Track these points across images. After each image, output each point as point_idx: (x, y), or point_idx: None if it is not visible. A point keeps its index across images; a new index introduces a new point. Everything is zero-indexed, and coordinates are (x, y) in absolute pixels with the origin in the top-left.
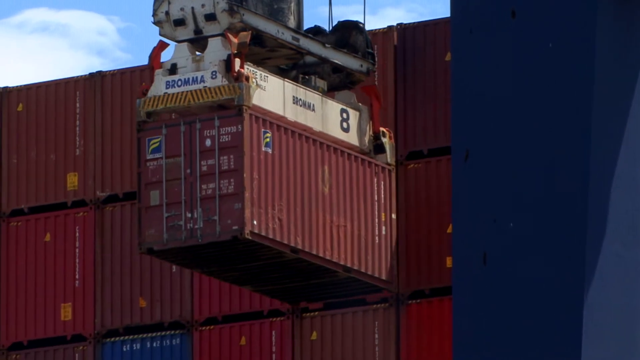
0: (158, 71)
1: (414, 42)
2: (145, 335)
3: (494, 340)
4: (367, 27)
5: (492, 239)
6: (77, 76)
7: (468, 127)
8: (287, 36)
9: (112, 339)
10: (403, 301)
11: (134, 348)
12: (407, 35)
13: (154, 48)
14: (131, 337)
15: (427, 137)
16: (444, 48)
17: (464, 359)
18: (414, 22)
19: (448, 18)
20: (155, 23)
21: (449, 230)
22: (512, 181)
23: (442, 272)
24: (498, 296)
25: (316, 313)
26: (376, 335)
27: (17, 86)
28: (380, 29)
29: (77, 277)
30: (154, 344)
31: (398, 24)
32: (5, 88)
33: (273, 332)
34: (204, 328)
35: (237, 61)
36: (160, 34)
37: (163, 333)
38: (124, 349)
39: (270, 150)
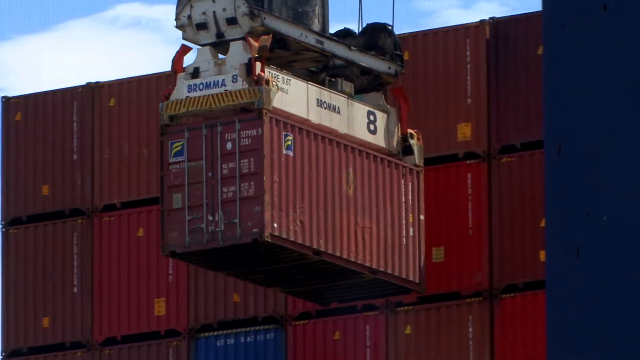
0: (180, 75)
1: (506, 36)
2: (239, 330)
3: (588, 334)
4: (459, 21)
5: (585, 233)
6: (169, 71)
7: (560, 121)
8: (310, 39)
9: (206, 334)
10: (497, 295)
11: (228, 343)
12: (499, 29)
13: (177, 52)
14: (225, 332)
15: (519, 131)
16: (536, 42)
17: (559, 352)
18: (506, 16)
19: (540, 12)
20: (177, 27)
21: (542, 224)
22: (605, 174)
23: (535, 265)
24: (592, 290)
25: (410, 307)
26: (470, 330)
27: (109, 81)
28: (472, 23)
29: (170, 271)
30: (248, 339)
31: (490, 18)
32: (97, 83)
33: (367, 327)
34: (297, 323)
35: (258, 65)
36: (183, 38)
37: (257, 328)
38: (218, 344)
39: (291, 153)
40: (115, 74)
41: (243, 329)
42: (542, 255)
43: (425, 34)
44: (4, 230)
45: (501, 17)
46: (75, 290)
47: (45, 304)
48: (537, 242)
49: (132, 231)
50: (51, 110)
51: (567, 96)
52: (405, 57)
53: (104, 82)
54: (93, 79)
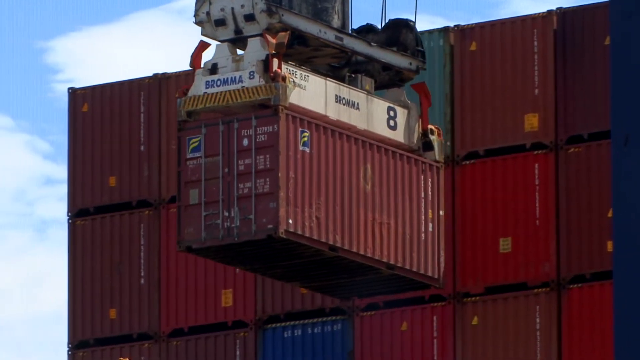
0: (199, 71)
1: (574, 26)
2: (306, 321)
3: None
4: (527, 11)
5: None
6: None
7: (628, 111)
8: (329, 36)
9: (273, 325)
10: (564, 286)
11: (295, 334)
12: (566, 19)
13: (195, 48)
14: (292, 323)
15: (587, 121)
16: (604, 32)
17: (626, 344)
18: (573, 6)
19: (607, 2)
20: (196, 23)
21: (610, 214)
22: None
23: (603, 256)
24: None
25: (477, 298)
26: (537, 320)
27: (176, 72)
28: (539, 13)
29: None
30: (315, 330)
31: (558, 8)
32: (164, 74)
33: (434, 318)
34: (365, 314)
35: (275, 61)
36: (201, 34)
37: (324, 319)
38: (285, 335)
39: (307, 149)
40: (183, 65)
41: (310, 320)
42: (610, 245)
43: (492, 24)
44: (70, 221)
45: (569, 7)
46: (142, 281)
47: (112, 295)
48: (604, 232)
49: None
50: (118, 102)
51: (635, 86)
52: (473, 47)
53: (171, 73)
54: (160, 70)
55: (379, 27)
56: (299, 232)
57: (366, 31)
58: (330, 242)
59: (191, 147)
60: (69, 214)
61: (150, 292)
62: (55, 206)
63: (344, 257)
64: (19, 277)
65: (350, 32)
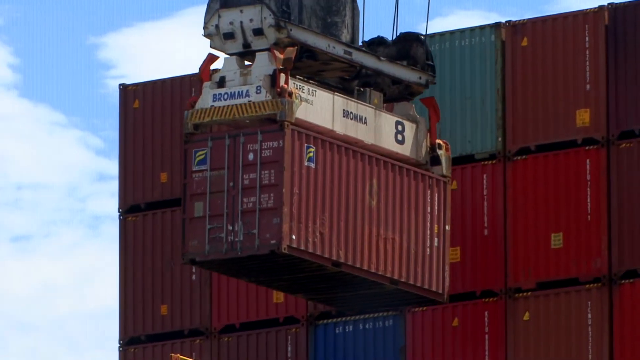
0: (206, 84)
1: (625, 22)
2: (357, 317)
3: None
4: (579, 7)
5: None
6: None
7: None
8: (338, 50)
9: (325, 321)
10: (616, 281)
11: (347, 330)
12: (617, 14)
13: (204, 61)
14: (344, 319)
15: (639, 116)
16: None
17: None
18: (624, 2)
19: None
20: (205, 36)
21: None
22: None
23: None
24: None
25: (529, 293)
26: (589, 316)
27: None
28: (591, 8)
29: None
30: (367, 326)
31: (609, 4)
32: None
33: (486, 313)
34: (416, 309)
35: (282, 76)
36: (210, 47)
37: (376, 315)
38: (336, 331)
39: (313, 165)
40: None
41: (362, 316)
42: None
43: (544, 20)
44: (122, 217)
45: (620, 3)
46: (193, 277)
47: (163, 291)
48: None
49: None
50: (169, 97)
51: None
52: (524, 43)
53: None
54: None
55: (390, 39)
56: (302, 247)
57: (377, 44)
58: (334, 258)
59: (197, 159)
60: (120, 210)
61: (202, 288)
62: (107, 202)
63: (347, 272)
64: (71, 273)
65: (360, 44)
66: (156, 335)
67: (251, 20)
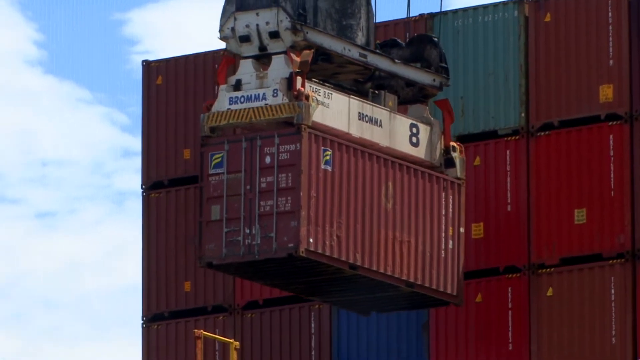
0: (222, 87)
1: None
2: None
3: None
4: None
5: None
6: None
7: None
8: (353, 53)
9: None
10: (639, 257)
11: None
12: None
13: (219, 63)
14: None
15: None
16: None
17: None
18: None
19: None
20: (221, 39)
21: None
22: None
23: None
24: None
25: (552, 269)
26: (612, 292)
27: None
28: None
29: None
30: None
31: None
32: None
33: (509, 289)
34: None
35: (299, 79)
36: (226, 49)
37: None
38: None
39: (330, 168)
40: None
41: None
42: None
43: None
44: (145, 194)
45: None
46: None
47: (186, 268)
48: None
49: None
50: (192, 74)
51: None
52: (547, 19)
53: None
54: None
55: (403, 42)
56: (320, 250)
57: (390, 46)
58: (351, 261)
59: (214, 162)
60: (143, 186)
61: None
62: (132, 178)
63: (364, 275)
64: (96, 249)
65: (374, 47)
66: (179, 312)
67: (267, 23)
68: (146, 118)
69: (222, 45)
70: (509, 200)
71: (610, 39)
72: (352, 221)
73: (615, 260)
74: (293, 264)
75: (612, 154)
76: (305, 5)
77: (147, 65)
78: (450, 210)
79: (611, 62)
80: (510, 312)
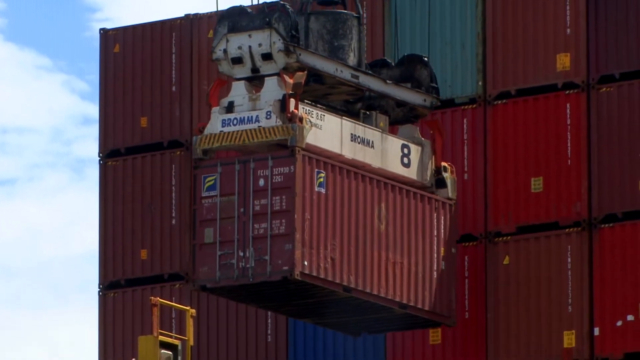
0: (215, 109)
1: None
2: None
3: None
4: None
5: None
6: (272, 2)
7: None
8: (345, 74)
9: None
10: (596, 225)
11: None
12: None
13: (212, 85)
14: None
15: (619, 61)
16: None
17: None
18: None
19: None
20: (213, 60)
21: None
22: None
23: (634, 195)
24: None
25: (509, 238)
26: (569, 260)
27: (207, 13)
28: None
29: None
30: None
31: None
32: (196, 15)
33: (465, 257)
34: None
35: (292, 101)
36: (218, 71)
37: None
38: None
39: (323, 190)
40: (214, 5)
41: None
42: None
43: None
44: (102, 162)
45: None
46: (173, 222)
47: (143, 236)
48: (636, 171)
49: None
50: (149, 42)
51: None
52: None
53: (203, 13)
54: (192, 10)
55: (392, 62)
56: (314, 273)
57: (380, 66)
58: (345, 283)
59: (207, 185)
60: (101, 154)
61: (182, 232)
62: (92, 146)
63: (357, 297)
64: (56, 217)
65: (365, 67)
66: (136, 280)
67: (260, 44)
68: (103, 86)
69: (180, 13)
70: (465, 169)
71: (567, 7)
72: (346, 243)
73: (571, 229)
74: (287, 287)
75: (569, 122)
76: (297, 27)
77: (105, 34)
78: (442, 230)
79: (568, 30)
80: (466, 280)
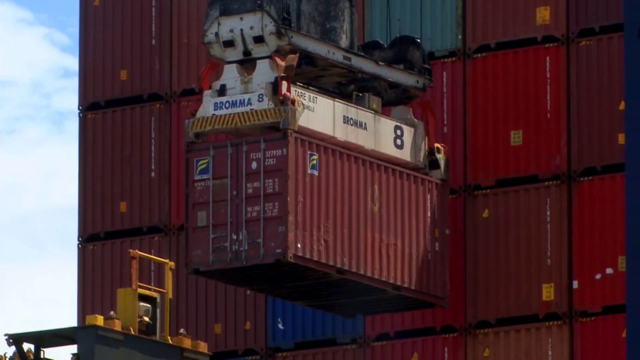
0: (207, 92)
1: None
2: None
3: None
4: None
5: None
6: None
7: None
8: (337, 56)
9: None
10: (575, 178)
11: None
12: None
13: (203, 69)
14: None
15: (599, 14)
16: None
17: (637, 236)
18: None
19: None
20: (205, 43)
21: (621, 106)
22: None
23: (613, 149)
24: None
25: (488, 191)
26: (548, 213)
27: None
28: None
29: None
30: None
31: None
32: None
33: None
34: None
35: (284, 84)
36: (210, 55)
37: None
38: None
39: (316, 172)
40: None
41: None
42: (621, 138)
43: None
44: (82, 115)
45: None
46: (152, 175)
47: (122, 188)
48: (615, 125)
49: None
50: None
51: None
52: None
53: None
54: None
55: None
56: (307, 256)
57: (372, 47)
58: (338, 265)
59: (199, 168)
60: (80, 107)
61: (161, 185)
62: (72, 99)
63: (351, 279)
64: (36, 169)
65: (357, 49)
66: (115, 232)
67: (252, 27)
68: (83, 39)
69: None
70: (445, 122)
71: None
72: (339, 225)
73: (551, 182)
74: (281, 269)
75: (548, 75)
76: (289, 9)
77: None
78: (436, 211)
79: None
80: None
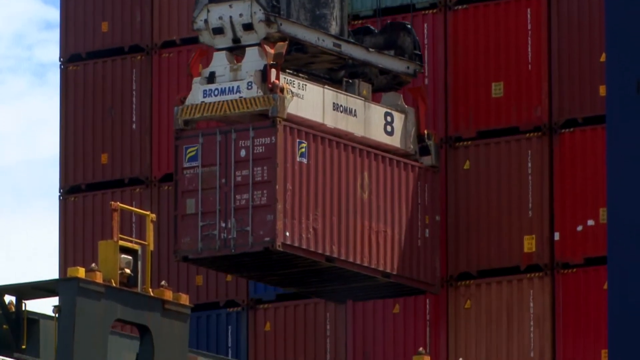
0: (196, 79)
1: None
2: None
3: None
4: None
5: None
6: None
7: None
8: (327, 43)
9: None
10: (556, 130)
11: None
12: None
13: (193, 56)
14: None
15: None
16: None
17: (619, 186)
18: None
19: None
20: (194, 30)
21: (602, 58)
22: None
23: (595, 100)
24: None
25: (469, 142)
26: (529, 165)
27: None
28: None
29: None
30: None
31: None
32: None
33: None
34: None
35: (273, 72)
36: (199, 42)
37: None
38: None
39: (305, 160)
40: None
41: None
42: (602, 90)
43: None
44: (63, 67)
45: None
46: (134, 126)
47: (103, 140)
48: (596, 76)
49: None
50: None
51: None
52: None
53: None
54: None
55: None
56: (296, 244)
57: (363, 33)
58: (327, 253)
59: (188, 156)
60: (62, 59)
61: (142, 137)
62: (54, 50)
63: (340, 267)
64: (18, 121)
65: (347, 35)
66: (96, 184)
67: (241, 15)
68: None
69: None
70: (426, 73)
71: None
72: (328, 213)
73: (532, 134)
74: (269, 257)
75: (529, 27)
76: None
77: None
78: (426, 198)
79: None
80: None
